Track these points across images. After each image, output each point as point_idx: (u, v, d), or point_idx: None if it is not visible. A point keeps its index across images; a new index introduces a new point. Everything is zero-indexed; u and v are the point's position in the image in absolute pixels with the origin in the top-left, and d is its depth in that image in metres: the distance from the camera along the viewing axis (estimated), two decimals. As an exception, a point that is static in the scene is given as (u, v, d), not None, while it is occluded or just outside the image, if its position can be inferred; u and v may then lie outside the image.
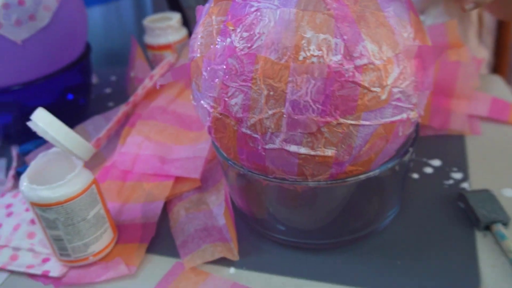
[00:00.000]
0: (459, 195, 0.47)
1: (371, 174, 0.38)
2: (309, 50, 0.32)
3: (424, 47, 0.33)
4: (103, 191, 0.51)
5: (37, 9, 0.55)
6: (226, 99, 0.36)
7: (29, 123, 0.40)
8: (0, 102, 0.60)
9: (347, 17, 0.32)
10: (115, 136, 0.58)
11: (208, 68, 0.36)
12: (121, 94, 0.75)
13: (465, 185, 0.49)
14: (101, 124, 0.60)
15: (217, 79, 0.36)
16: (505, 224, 0.43)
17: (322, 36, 0.32)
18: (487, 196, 0.46)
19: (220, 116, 0.37)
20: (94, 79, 0.81)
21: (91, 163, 0.56)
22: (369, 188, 0.48)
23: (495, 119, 0.58)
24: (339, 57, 0.32)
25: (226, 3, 0.36)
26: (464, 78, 0.57)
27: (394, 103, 0.33)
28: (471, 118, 0.58)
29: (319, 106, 0.33)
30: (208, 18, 0.37)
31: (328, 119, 0.33)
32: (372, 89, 0.32)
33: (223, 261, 0.43)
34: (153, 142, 0.54)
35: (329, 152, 0.35)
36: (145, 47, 0.74)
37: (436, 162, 0.53)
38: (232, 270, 0.43)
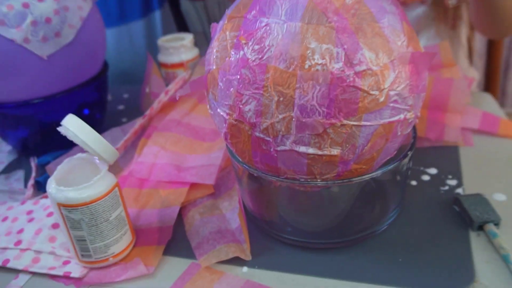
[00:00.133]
0: (454, 199, 0.50)
1: (374, 174, 0.41)
2: (313, 59, 0.36)
3: (417, 53, 0.37)
4: (121, 198, 0.55)
5: (63, 27, 0.59)
6: (241, 106, 0.39)
7: (59, 128, 0.43)
8: (19, 115, 0.64)
9: (347, 29, 0.36)
10: (131, 147, 0.62)
11: (224, 79, 0.40)
12: (133, 110, 0.79)
13: (459, 190, 0.53)
14: (118, 136, 0.64)
15: (232, 88, 0.40)
16: (496, 224, 0.47)
17: (325, 46, 0.36)
18: (479, 199, 0.49)
19: (235, 122, 0.41)
20: (108, 96, 0.85)
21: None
22: (372, 191, 0.51)
23: (486, 131, 0.62)
24: (340, 64, 0.36)
25: (238, 19, 0.40)
26: (457, 94, 0.62)
27: (391, 104, 0.37)
28: (464, 130, 0.62)
29: (324, 109, 0.37)
30: (222, 33, 0.42)
31: (333, 121, 0.37)
32: (371, 92, 0.36)
33: (236, 261, 0.46)
34: (169, 152, 0.58)
35: (335, 151, 0.38)
36: (159, 65, 0.79)
37: (433, 171, 0.56)
38: (245, 269, 0.46)
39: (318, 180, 0.41)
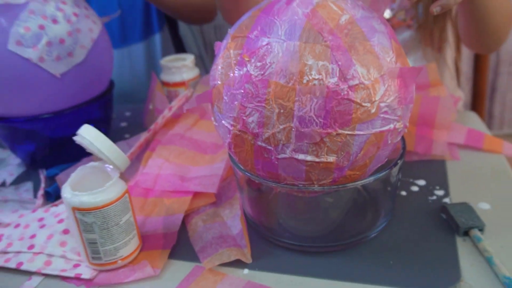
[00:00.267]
0: (441, 207, 0.54)
1: (367, 180, 0.45)
2: (311, 74, 0.40)
3: (405, 68, 0.41)
4: (127, 207, 0.58)
5: (75, 47, 0.63)
6: (244, 117, 0.43)
7: (75, 138, 0.47)
8: (29, 129, 0.67)
9: (341, 47, 0.40)
10: (136, 160, 0.65)
11: (228, 93, 0.44)
12: (136, 127, 0.83)
13: (446, 200, 0.56)
14: (124, 149, 0.67)
15: (236, 102, 0.43)
16: (481, 230, 0.50)
17: (321, 63, 0.40)
18: (465, 207, 0.53)
19: (239, 133, 0.44)
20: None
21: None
22: (365, 201, 0.55)
23: (471, 146, 0.66)
24: (335, 79, 0.40)
25: (241, 39, 0.44)
26: (443, 111, 0.66)
27: (382, 115, 0.41)
28: (450, 145, 0.66)
29: (321, 120, 0.40)
30: (226, 51, 0.45)
31: (329, 130, 0.41)
32: (364, 104, 0.40)
33: (237, 264, 0.49)
34: (173, 164, 0.61)
35: (331, 158, 0.42)
36: (162, 84, 0.83)
37: (421, 182, 0.60)
38: (246, 271, 0.48)
39: (315, 186, 0.44)
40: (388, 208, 0.52)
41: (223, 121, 0.46)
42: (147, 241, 0.53)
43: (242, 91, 0.43)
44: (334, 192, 0.57)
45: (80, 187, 0.48)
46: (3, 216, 0.58)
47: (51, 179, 0.67)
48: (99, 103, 0.70)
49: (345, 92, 0.40)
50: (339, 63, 0.40)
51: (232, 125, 0.44)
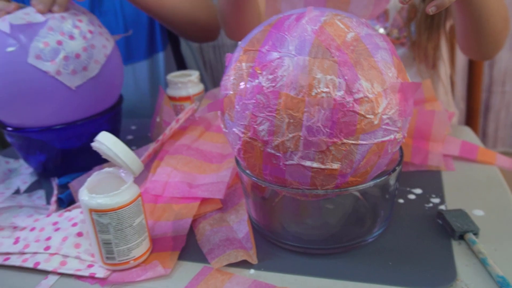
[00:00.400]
0: (437, 213, 0.57)
1: (367, 185, 0.48)
2: (319, 87, 0.43)
3: (405, 83, 0.44)
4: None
5: (90, 62, 0.67)
6: (255, 126, 0.46)
7: (93, 144, 0.50)
8: (41, 140, 0.70)
9: (347, 63, 0.43)
10: (145, 168, 0.67)
11: (240, 102, 0.47)
12: (142, 139, 0.86)
13: (442, 207, 0.59)
14: (134, 158, 0.70)
15: (247, 111, 0.46)
16: (475, 233, 0.53)
17: (329, 77, 0.43)
18: (460, 213, 0.56)
19: (249, 140, 0.47)
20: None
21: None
22: (364, 207, 0.58)
23: (465, 158, 0.70)
24: (342, 92, 0.43)
25: (253, 52, 0.47)
26: (438, 124, 0.69)
27: (384, 126, 0.44)
28: (445, 157, 0.70)
29: (328, 130, 0.43)
30: (238, 64, 0.48)
31: (335, 139, 0.44)
32: (367, 116, 0.43)
33: (244, 264, 0.51)
34: (181, 172, 0.64)
35: (335, 165, 0.45)
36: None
37: (418, 191, 0.63)
38: (252, 271, 0.51)
39: (319, 190, 0.47)
40: (386, 214, 0.55)
41: (233, 129, 0.49)
42: (157, 244, 0.56)
43: (254, 101, 0.45)
44: (335, 199, 0.60)
45: (96, 191, 0.51)
46: (19, 221, 0.61)
47: (62, 187, 0.69)
48: (109, 116, 0.73)
49: (351, 105, 0.43)
50: (346, 77, 0.43)
51: (243, 133, 0.47)
